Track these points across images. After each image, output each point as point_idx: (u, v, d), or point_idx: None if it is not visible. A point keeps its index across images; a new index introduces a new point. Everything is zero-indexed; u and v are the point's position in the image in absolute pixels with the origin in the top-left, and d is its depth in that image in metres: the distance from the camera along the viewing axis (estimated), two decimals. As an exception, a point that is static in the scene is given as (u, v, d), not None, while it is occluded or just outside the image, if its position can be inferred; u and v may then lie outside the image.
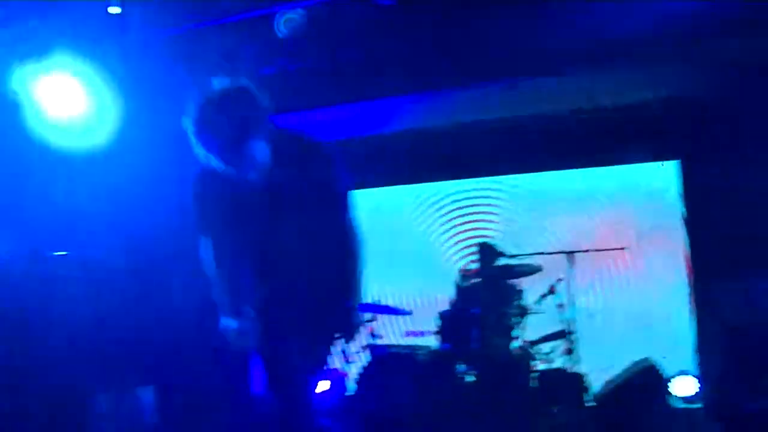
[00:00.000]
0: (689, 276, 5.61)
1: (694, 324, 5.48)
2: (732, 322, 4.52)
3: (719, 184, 5.14)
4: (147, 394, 4.45)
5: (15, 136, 4.23)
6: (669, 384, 4.44)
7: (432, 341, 5.49)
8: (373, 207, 6.58)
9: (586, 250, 5.61)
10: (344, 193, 2.51)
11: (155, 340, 4.46)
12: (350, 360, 4.91)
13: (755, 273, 4.60)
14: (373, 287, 6.37)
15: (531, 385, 4.80)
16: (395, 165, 6.48)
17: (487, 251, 5.23)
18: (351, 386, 4.79)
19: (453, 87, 4.98)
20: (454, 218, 6.40)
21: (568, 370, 4.71)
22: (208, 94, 2.21)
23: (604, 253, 5.73)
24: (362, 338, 4.89)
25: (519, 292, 4.98)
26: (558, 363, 4.91)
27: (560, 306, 4.83)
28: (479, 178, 6.39)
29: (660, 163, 5.87)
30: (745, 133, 5.03)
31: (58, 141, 4.35)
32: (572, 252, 4.93)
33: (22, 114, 4.22)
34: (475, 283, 5.38)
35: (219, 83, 2.25)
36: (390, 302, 6.27)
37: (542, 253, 5.62)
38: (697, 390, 4.83)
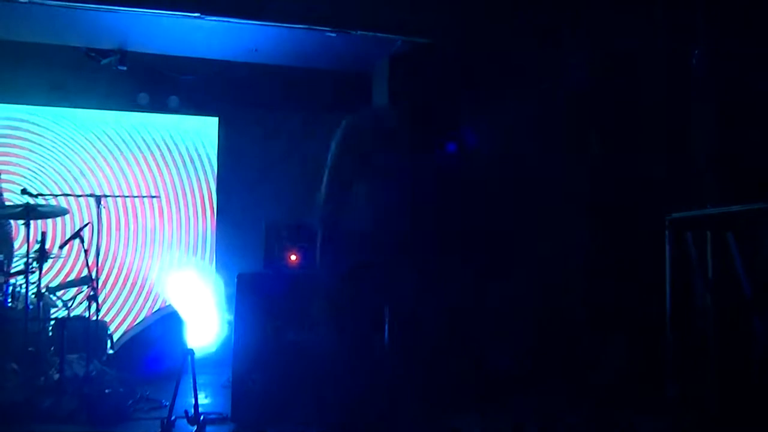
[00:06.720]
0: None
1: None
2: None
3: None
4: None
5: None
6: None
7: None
8: None
9: (119, 196, 5.52)
10: None
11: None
12: None
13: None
14: None
15: (49, 333, 4.57)
16: None
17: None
18: None
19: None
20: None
21: (91, 317, 4.55)
22: None
23: (140, 199, 5.72)
24: None
25: (42, 235, 4.58)
26: (79, 310, 4.73)
27: (86, 251, 4.60)
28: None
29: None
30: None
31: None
32: (102, 196, 4.73)
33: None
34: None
35: None
36: None
37: (70, 195, 5.31)
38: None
